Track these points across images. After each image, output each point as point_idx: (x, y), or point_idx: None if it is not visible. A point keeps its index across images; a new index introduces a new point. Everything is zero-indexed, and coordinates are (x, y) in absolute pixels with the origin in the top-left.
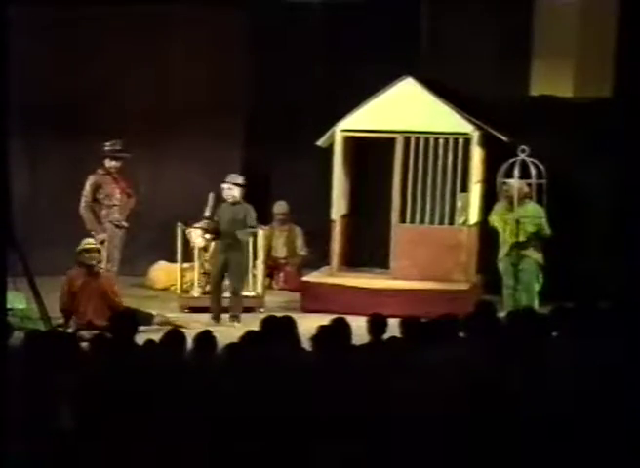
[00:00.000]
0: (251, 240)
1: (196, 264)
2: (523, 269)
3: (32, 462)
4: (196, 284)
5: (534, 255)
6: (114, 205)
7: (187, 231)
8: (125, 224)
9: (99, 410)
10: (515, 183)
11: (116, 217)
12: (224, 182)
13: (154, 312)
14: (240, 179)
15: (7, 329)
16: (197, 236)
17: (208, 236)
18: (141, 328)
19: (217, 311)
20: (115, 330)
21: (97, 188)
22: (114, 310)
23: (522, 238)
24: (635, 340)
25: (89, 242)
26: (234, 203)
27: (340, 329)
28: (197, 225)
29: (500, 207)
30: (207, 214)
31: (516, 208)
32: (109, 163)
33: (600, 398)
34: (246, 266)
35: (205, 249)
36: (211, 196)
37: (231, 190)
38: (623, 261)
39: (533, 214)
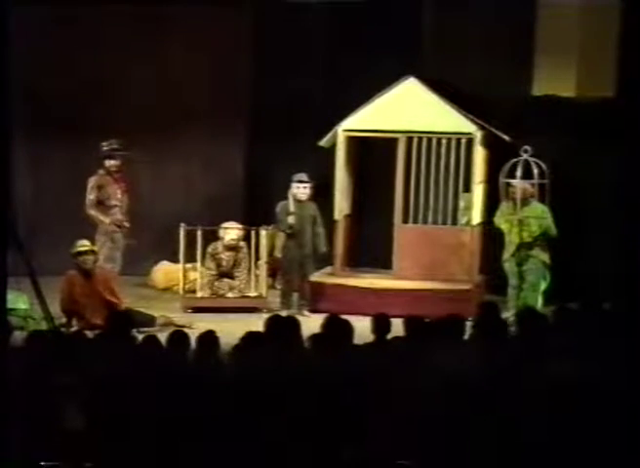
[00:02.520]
0: (253, 240)
1: (199, 266)
2: (529, 269)
3: (34, 462)
4: (201, 283)
5: (540, 255)
6: (116, 205)
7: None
8: (127, 224)
9: (101, 410)
10: (519, 184)
11: (118, 218)
12: (296, 182)
13: (156, 314)
14: (307, 177)
15: (8, 329)
16: (232, 234)
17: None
18: (144, 329)
19: (289, 302)
20: (110, 330)
21: (99, 189)
22: (112, 309)
23: (528, 238)
24: (636, 340)
25: (82, 244)
26: (304, 201)
27: (339, 328)
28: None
29: (505, 207)
30: (281, 218)
31: (521, 208)
32: (109, 162)
33: (600, 398)
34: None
35: (235, 249)
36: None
37: (304, 189)
38: (624, 261)
39: (538, 214)
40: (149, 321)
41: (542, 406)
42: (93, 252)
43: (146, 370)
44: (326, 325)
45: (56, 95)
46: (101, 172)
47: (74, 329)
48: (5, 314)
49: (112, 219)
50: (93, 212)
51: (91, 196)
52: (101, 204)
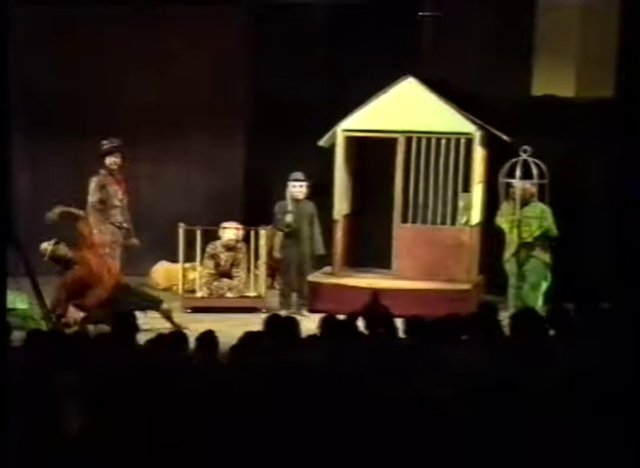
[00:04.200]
0: (252, 240)
1: (198, 266)
2: (530, 269)
3: (34, 463)
4: (200, 283)
5: (541, 255)
6: (117, 206)
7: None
8: (126, 226)
9: (101, 410)
10: (519, 184)
11: (118, 219)
12: (293, 181)
13: (162, 299)
14: (303, 177)
15: (7, 328)
16: (230, 233)
17: (240, 233)
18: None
19: (288, 301)
20: (117, 330)
21: (101, 189)
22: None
23: (528, 238)
24: (635, 340)
25: (45, 248)
26: (301, 200)
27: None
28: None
29: (506, 207)
30: (279, 217)
31: (521, 208)
32: (109, 160)
33: (600, 398)
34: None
35: (234, 248)
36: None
37: (301, 188)
38: (624, 261)
39: (540, 214)
40: (155, 303)
41: (541, 406)
42: (57, 243)
43: (149, 370)
44: (322, 325)
45: (55, 95)
46: (103, 172)
47: (75, 328)
48: (5, 314)
49: (113, 221)
50: (92, 214)
51: (93, 198)
52: (103, 204)
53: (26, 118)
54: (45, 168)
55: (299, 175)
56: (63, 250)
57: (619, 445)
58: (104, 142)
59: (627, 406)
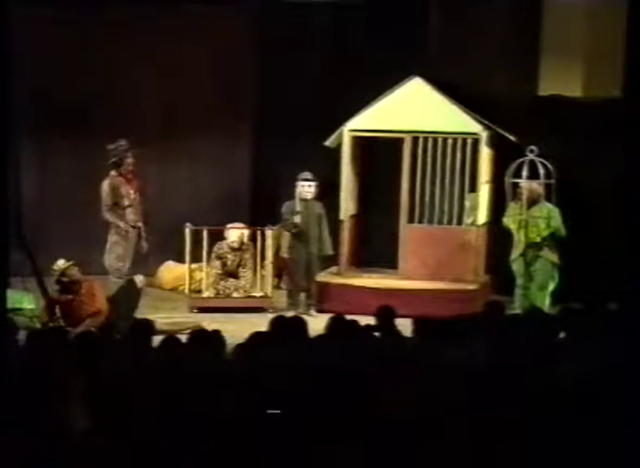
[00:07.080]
0: (259, 240)
1: (205, 266)
2: (537, 269)
3: (37, 463)
4: (206, 283)
5: (549, 256)
6: (129, 206)
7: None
8: (140, 224)
9: (106, 410)
10: (526, 184)
11: (131, 218)
12: (302, 180)
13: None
14: (312, 176)
15: (10, 328)
16: (234, 235)
17: (245, 234)
18: None
19: (296, 301)
20: (132, 336)
21: (113, 191)
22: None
23: (536, 238)
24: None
25: (58, 265)
26: (309, 200)
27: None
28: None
29: (513, 208)
30: (288, 217)
31: (528, 208)
32: (122, 163)
33: (604, 399)
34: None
35: (240, 249)
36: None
37: (310, 188)
38: (629, 261)
39: (547, 214)
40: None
41: (545, 406)
42: (74, 264)
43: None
44: (330, 325)
45: (61, 95)
46: (114, 173)
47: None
48: (5, 314)
49: (127, 220)
50: (109, 216)
51: (107, 202)
52: (115, 205)
53: (33, 119)
54: (53, 169)
55: (307, 174)
56: (76, 275)
57: (626, 444)
58: (111, 146)
59: (634, 406)
